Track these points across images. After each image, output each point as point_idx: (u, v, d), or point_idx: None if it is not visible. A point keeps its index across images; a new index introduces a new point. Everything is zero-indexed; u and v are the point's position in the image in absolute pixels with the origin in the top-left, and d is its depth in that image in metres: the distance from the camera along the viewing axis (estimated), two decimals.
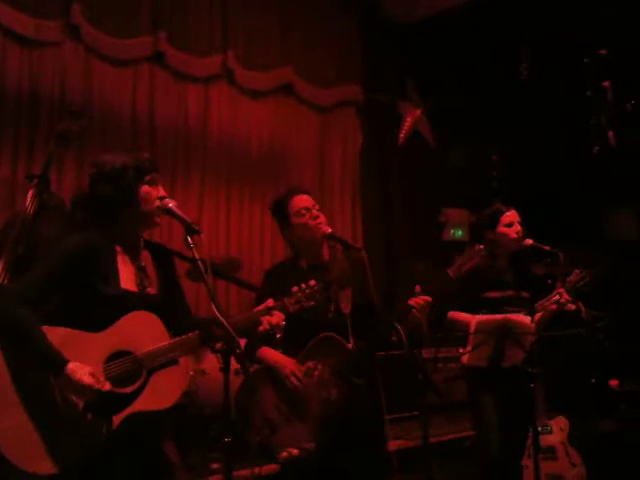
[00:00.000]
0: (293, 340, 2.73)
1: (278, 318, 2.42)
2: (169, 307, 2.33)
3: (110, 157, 2.28)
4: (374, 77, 6.73)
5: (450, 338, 3.64)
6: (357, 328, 2.96)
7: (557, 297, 3.45)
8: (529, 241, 3.54)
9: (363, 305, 2.96)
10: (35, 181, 3.31)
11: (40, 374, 2.08)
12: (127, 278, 2.25)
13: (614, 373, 5.35)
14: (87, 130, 4.40)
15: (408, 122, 6.87)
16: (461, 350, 3.68)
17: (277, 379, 2.83)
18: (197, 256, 2.20)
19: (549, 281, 3.52)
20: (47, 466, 2.03)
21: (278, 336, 2.47)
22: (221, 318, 2.12)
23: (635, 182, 6.25)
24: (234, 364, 2.26)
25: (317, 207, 3.01)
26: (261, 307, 2.43)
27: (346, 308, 2.97)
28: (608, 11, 5.36)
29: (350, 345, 2.91)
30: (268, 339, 2.55)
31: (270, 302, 2.44)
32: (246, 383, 2.90)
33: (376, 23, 6.73)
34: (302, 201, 3.00)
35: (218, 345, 2.21)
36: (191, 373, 4.15)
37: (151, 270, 2.35)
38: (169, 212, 2.28)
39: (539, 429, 3.45)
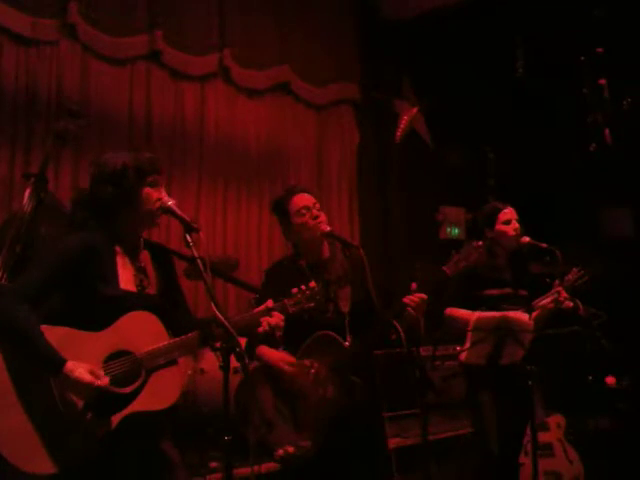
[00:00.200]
0: (292, 339, 2.73)
1: (278, 319, 2.42)
2: (168, 307, 2.32)
3: (111, 157, 2.27)
4: (371, 75, 6.73)
5: (448, 336, 3.65)
6: (356, 326, 2.96)
7: (555, 295, 3.46)
8: (526, 239, 3.55)
9: (362, 303, 2.96)
10: (32, 180, 3.31)
11: (39, 374, 2.07)
12: (126, 278, 2.24)
13: (611, 371, 5.37)
14: (85, 129, 4.39)
15: (405, 120, 6.88)
16: (459, 348, 3.69)
17: (275, 377, 2.83)
18: (196, 255, 2.20)
19: (547, 279, 3.53)
20: (46, 466, 2.02)
21: (278, 334, 2.47)
22: (221, 317, 2.12)
23: (631, 180, 6.27)
24: (233, 363, 2.26)
25: (318, 206, 3.01)
26: (261, 308, 2.43)
27: (345, 307, 2.97)
28: (601, 11, 5.37)
29: (347, 343, 2.91)
30: (267, 338, 2.54)
31: (270, 303, 2.44)
32: (245, 381, 2.90)
33: (373, 21, 6.73)
34: (302, 200, 2.99)
35: (218, 344, 2.21)
36: (189, 372, 4.14)
37: (150, 270, 2.34)
38: (168, 211, 2.27)
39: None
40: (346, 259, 3.07)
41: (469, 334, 3.22)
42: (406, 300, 2.90)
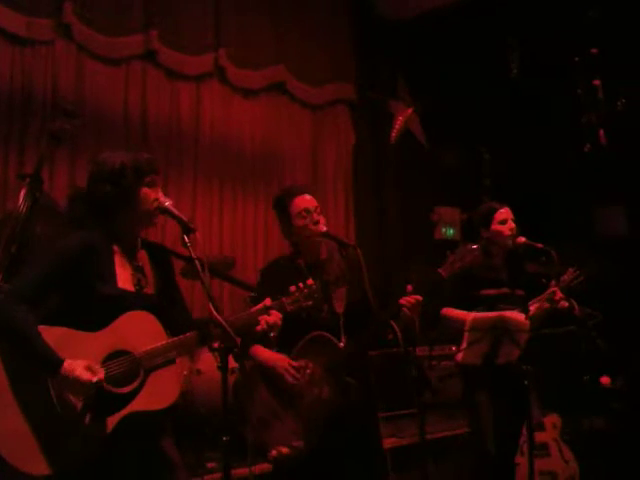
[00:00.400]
0: (286, 339, 2.72)
1: (276, 317, 2.42)
2: (166, 307, 2.32)
3: (110, 156, 2.26)
4: (366, 75, 6.74)
5: (444, 336, 3.66)
6: (351, 327, 2.97)
7: (551, 295, 3.48)
8: (522, 239, 3.56)
9: (357, 303, 2.97)
10: (27, 180, 3.30)
11: (37, 374, 2.07)
12: (124, 278, 2.24)
13: (606, 371, 5.39)
14: (80, 129, 4.38)
15: (400, 121, 6.88)
16: (454, 348, 3.70)
17: (269, 377, 2.83)
18: (194, 255, 2.20)
19: (543, 280, 3.54)
20: (44, 467, 2.02)
21: (272, 335, 2.47)
22: (219, 317, 2.12)
23: (625, 180, 6.29)
24: (231, 363, 2.26)
25: (319, 210, 3.01)
26: (259, 306, 2.43)
27: (340, 307, 2.98)
28: (595, 12, 5.39)
29: (342, 344, 2.92)
30: (262, 338, 2.54)
31: (268, 301, 2.44)
32: (241, 381, 2.90)
33: (368, 22, 6.74)
34: (304, 202, 2.99)
35: (216, 344, 2.21)
36: (185, 373, 4.14)
37: (148, 270, 2.34)
38: (165, 211, 2.28)
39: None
40: (343, 259, 3.08)
41: (465, 334, 3.23)
42: (402, 302, 2.91)
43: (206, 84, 5.66)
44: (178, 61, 5.43)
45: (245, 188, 5.85)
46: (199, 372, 4.22)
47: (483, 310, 3.40)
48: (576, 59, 5.47)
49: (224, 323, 2.10)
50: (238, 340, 2.16)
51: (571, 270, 3.58)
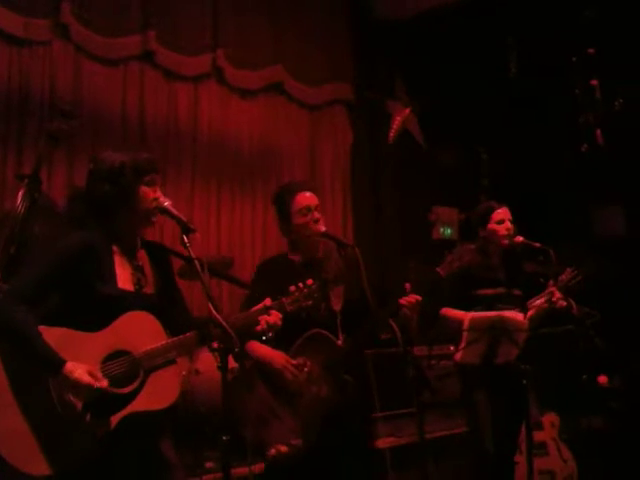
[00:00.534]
0: (283, 337, 2.71)
1: (276, 317, 2.43)
2: (166, 307, 2.32)
3: (110, 155, 2.26)
4: (364, 76, 6.74)
5: (443, 336, 3.67)
6: (348, 325, 2.97)
7: (549, 295, 3.49)
8: (520, 238, 3.57)
9: (354, 302, 2.98)
10: (26, 181, 3.30)
11: (37, 374, 2.07)
12: (124, 277, 2.24)
13: (604, 370, 5.40)
14: (78, 130, 4.37)
15: (397, 121, 6.89)
16: (452, 348, 3.70)
17: (267, 375, 2.83)
18: (193, 255, 2.20)
19: (541, 279, 3.55)
20: (44, 467, 2.02)
21: (270, 334, 2.47)
22: (219, 317, 2.12)
23: (623, 180, 6.30)
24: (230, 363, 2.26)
25: (319, 208, 3.01)
26: (259, 306, 2.43)
27: (337, 306, 2.98)
28: (592, 12, 5.40)
29: (340, 342, 2.92)
30: (260, 336, 2.54)
31: (268, 301, 2.44)
32: (239, 380, 2.90)
33: (366, 22, 6.73)
34: (305, 199, 2.99)
35: (215, 344, 2.21)
36: (184, 373, 4.13)
37: (148, 269, 2.34)
38: (165, 211, 2.28)
39: None
40: (341, 258, 3.08)
41: (464, 334, 3.23)
42: (402, 302, 2.92)
43: (204, 85, 5.65)
44: (176, 62, 5.42)
45: (243, 188, 5.84)
46: (198, 372, 4.22)
47: (481, 310, 3.41)
48: (573, 59, 5.48)
49: (224, 323, 2.11)
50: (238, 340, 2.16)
51: (569, 270, 3.60)
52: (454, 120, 6.73)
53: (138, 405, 2.12)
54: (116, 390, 2.10)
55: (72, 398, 2.05)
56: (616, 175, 6.25)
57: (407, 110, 6.92)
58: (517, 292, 3.58)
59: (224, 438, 2.16)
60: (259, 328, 2.40)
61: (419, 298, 2.93)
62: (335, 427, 2.81)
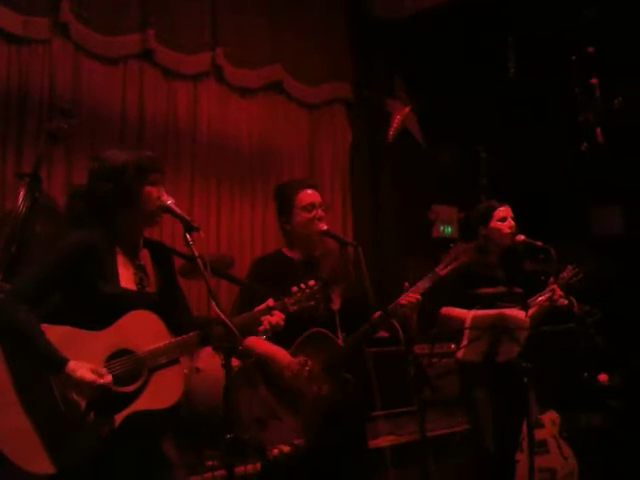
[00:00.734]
0: (283, 336, 2.71)
1: (278, 318, 2.42)
2: (168, 306, 2.32)
3: (113, 153, 2.25)
4: (363, 75, 6.74)
5: (444, 334, 3.67)
6: (347, 324, 2.97)
7: (550, 293, 3.49)
8: (521, 237, 3.58)
9: (354, 300, 2.98)
10: (26, 179, 3.29)
11: (40, 373, 2.07)
12: (127, 277, 2.24)
13: (604, 368, 5.41)
14: (77, 128, 4.36)
15: (397, 119, 6.89)
16: (453, 346, 3.71)
17: (267, 374, 2.82)
18: (196, 254, 2.19)
19: (542, 277, 3.56)
20: (47, 466, 2.02)
21: (269, 334, 2.47)
22: (222, 316, 2.12)
23: (622, 179, 6.31)
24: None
25: (322, 206, 3.00)
26: (262, 306, 2.43)
27: (335, 305, 2.97)
28: (591, 11, 5.40)
29: (339, 341, 2.92)
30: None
31: (271, 302, 2.44)
32: (239, 379, 2.89)
33: (365, 21, 6.74)
34: (310, 196, 2.99)
35: (219, 343, 2.21)
36: (185, 371, 4.14)
37: (150, 269, 2.33)
38: (167, 210, 2.27)
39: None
40: (340, 257, 3.08)
41: (466, 332, 3.23)
42: (403, 301, 2.92)
43: (203, 83, 5.65)
44: (175, 60, 5.42)
45: (242, 187, 5.85)
46: (198, 370, 4.22)
47: (481, 308, 3.41)
48: (573, 58, 5.48)
49: (228, 322, 2.10)
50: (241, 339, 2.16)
51: (570, 267, 3.60)
52: (453, 119, 6.74)
53: (141, 404, 2.12)
54: (119, 389, 2.10)
55: (75, 397, 2.05)
56: (616, 174, 6.26)
57: (406, 109, 6.93)
58: (518, 290, 3.59)
59: (227, 436, 2.15)
60: (261, 328, 2.40)
61: (419, 297, 2.94)
62: (336, 426, 2.81)
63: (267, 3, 6.01)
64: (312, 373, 2.83)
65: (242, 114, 5.89)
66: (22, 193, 3.22)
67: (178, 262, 3.32)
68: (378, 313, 2.89)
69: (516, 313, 3.31)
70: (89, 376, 2.02)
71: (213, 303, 2.12)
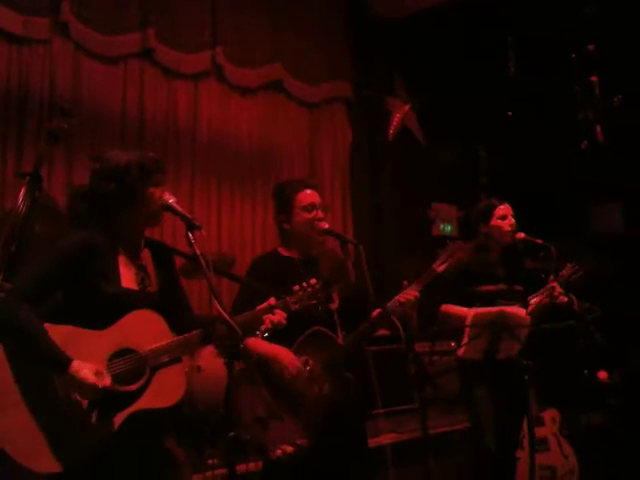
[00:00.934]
0: (282, 336, 2.69)
1: (280, 316, 2.42)
2: (170, 305, 2.32)
3: (116, 154, 2.25)
4: (363, 73, 6.75)
5: (444, 332, 3.67)
6: (346, 323, 2.98)
7: (550, 290, 3.49)
8: (521, 235, 3.58)
9: (353, 300, 2.98)
10: (27, 179, 3.30)
11: (43, 373, 2.07)
12: (128, 277, 2.24)
13: (604, 365, 5.42)
14: (77, 128, 4.37)
15: (397, 118, 6.90)
16: (453, 344, 3.71)
17: (268, 374, 2.82)
18: (198, 252, 2.20)
19: (542, 275, 3.56)
20: (52, 465, 2.02)
21: (267, 333, 2.47)
22: (225, 314, 2.12)
23: (622, 177, 6.32)
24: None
25: (322, 207, 3.00)
26: (263, 305, 2.43)
27: (334, 304, 2.98)
28: (591, 8, 5.40)
29: (339, 339, 2.92)
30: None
31: (272, 300, 2.44)
32: (241, 379, 2.89)
33: (365, 19, 6.74)
34: (311, 196, 2.99)
35: (221, 341, 2.21)
36: (186, 370, 4.13)
37: (151, 268, 2.34)
38: (169, 208, 2.28)
39: None
40: (342, 256, 3.08)
41: (467, 329, 3.24)
42: (401, 299, 2.93)
43: (203, 82, 5.66)
44: (175, 59, 5.42)
45: (243, 186, 5.85)
46: (199, 369, 4.22)
47: (481, 306, 3.41)
48: (572, 56, 5.48)
49: (231, 320, 2.11)
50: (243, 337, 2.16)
51: (569, 265, 3.61)
52: (453, 117, 6.75)
53: (144, 403, 2.12)
54: (122, 388, 2.10)
55: (78, 396, 2.05)
56: (615, 172, 6.26)
57: (406, 107, 6.93)
58: (518, 288, 3.59)
59: (230, 434, 2.15)
60: (263, 327, 2.40)
61: (417, 294, 2.95)
62: (337, 424, 2.81)
63: (267, 2, 6.02)
64: (313, 373, 2.83)
65: (242, 113, 5.90)
66: (22, 192, 3.22)
67: (179, 261, 3.34)
68: (378, 311, 2.89)
69: (516, 311, 3.32)
70: (91, 378, 2.03)
71: (215, 302, 2.13)
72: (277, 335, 2.59)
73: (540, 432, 4.08)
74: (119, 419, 2.08)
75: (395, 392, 4.54)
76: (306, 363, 2.84)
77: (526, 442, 3.63)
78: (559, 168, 6.57)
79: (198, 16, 5.54)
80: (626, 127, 5.76)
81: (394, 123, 6.86)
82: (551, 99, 6.23)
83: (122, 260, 2.26)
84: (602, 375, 5.44)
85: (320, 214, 2.97)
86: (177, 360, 2.21)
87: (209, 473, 3.77)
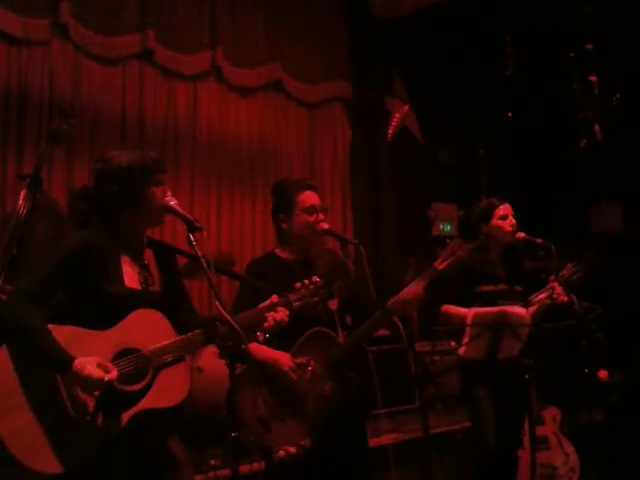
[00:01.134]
0: (283, 336, 2.70)
1: (283, 314, 2.43)
2: (173, 305, 2.33)
3: (117, 155, 2.26)
4: (362, 73, 6.74)
5: (446, 332, 3.68)
6: (345, 323, 2.98)
7: (550, 290, 3.50)
8: (521, 234, 3.59)
9: (354, 299, 2.98)
10: (27, 181, 3.30)
11: (47, 374, 2.08)
12: (131, 277, 2.25)
13: (605, 364, 5.42)
14: (77, 129, 4.37)
15: (396, 118, 6.90)
16: (453, 343, 3.72)
17: (269, 376, 2.82)
18: (200, 253, 2.20)
19: (542, 275, 3.57)
20: (55, 465, 2.03)
21: (260, 339, 2.47)
22: (226, 314, 2.12)
23: (621, 176, 6.33)
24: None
25: (322, 209, 3.00)
26: (266, 303, 2.44)
27: (333, 304, 2.98)
28: (590, 7, 5.40)
29: (340, 339, 2.93)
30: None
31: (275, 298, 2.45)
32: (243, 380, 2.89)
33: (363, 19, 6.74)
34: (312, 198, 2.99)
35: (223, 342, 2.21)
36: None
37: (154, 268, 2.35)
38: (171, 211, 2.28)
39: None
40: (341, 256, 3.09)
41: (467, 329, 3.25)
42: (403, 296, 2.93)
43: (203, 83, 5.65)
44: (174, 60, 5.41)
45: (242, 186, 5.85)
46: (200, 370, 4.22)
47: (482, 306, 3.42)
48: (571, 55, 5.49)
49: (232, 321, 2.11)
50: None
51: (570, 265, 3.61)
52: (452, 117, 6.75)
53: (148, 402, 2.13)
54: (127, 387, 2.11)
55: (82, 396, 2.06)
56: (615, 171, 6.27)
57: (405, 107, 6.94)
58: (518, 288, 3.60)
59: (232, 435, 2.16)
60: (266, 325, 2.40)
61: (419, 294, 2.95)
62: (339, 424, 2.82)
63: (265, 2, 6.01)
64: (315, 374, 2.83)
65: (242, 113, 5.90)
66: (23, 194, 3.23)
67: (180, 261, 3.35)
68: (379, 311, 2.90)
69: (517, 310, 3.33)
70: (97, 373, 2.03)
71: (217, 302, 2.13)
72: (278, 336, 2.59)
73: (541, 431, 4.09)
74: (124, 419, 2.09)
75: (396, 392, 4.55)
76: (308, 363, 2.84)
77: (527, 441, 3.64)
78: (558, 167, 6.58)
79: (197, 17, 5.54)
80: (625, 126, 5.77)
81: (394, 122, 6.87)
82: (550, 98, 6.24)
83: (125, 260, 2.27)
84: (602, 374, 5.45)
85: (321, 216, 2.98)
86: (181, 359, 2.21)
87: (211, 474, 3.78)
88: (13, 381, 2.08)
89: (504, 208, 3.62)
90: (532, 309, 3.46)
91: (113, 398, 2.08)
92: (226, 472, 3.72)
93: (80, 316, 2.16)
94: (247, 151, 5.91)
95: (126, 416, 2.09)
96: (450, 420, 4.85)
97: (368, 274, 2.84)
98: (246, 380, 2.82)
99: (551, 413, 4.24)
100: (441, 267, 3.06)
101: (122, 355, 2.15)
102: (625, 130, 5.81)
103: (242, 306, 2.60)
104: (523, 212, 3.84)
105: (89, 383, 2.03)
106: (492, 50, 6.19)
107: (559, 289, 3.48)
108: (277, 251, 3.08)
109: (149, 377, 2.14)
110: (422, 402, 2.85)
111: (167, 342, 2.19)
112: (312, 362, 2.84)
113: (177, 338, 2.22)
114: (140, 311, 2.19)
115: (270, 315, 2.40)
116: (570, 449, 4.16)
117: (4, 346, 2.12)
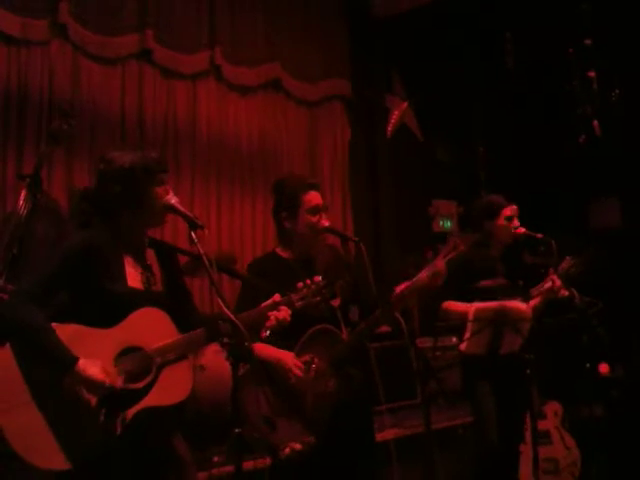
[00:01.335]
0: (285, 335, 2.70)
1: (285, 313, 2.44)
2: (175, 304, 2.34)
3: (119, 155, 2.27)
4: (361, 71, 6.75)
5: (447, 327, 3.69)
6: (348, 320, 2.99)
7: (550, 284, 3.51)
8: (521, 229, 3.60)
9: (356, 297, 2.99)
10: (27, 181, 3.31)
11: (51, 372, 2.09)
12: (134, 277, 2.26)
13: (606, 359, 5.44)
14: (77, 129, 4.37)
15: (395, 116, 6.91)
16: (455, 339, 3.73)
17: (273, 375, 2.83)
18: (202, 251, 2.21)
19: (542, 270, 3.58)
20: (60, 462, 2.04)
21: (263, 336, 2.48)
22: (228, 313, 2.13)
23: (620, 171, 6.34)
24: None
25: (324, 209, 3.01)
26: (268, 302, 2.45)
27: (335, 302, 2.99)
28: (589, 3, 5.40)
29: (344, 336, 2.94)
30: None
31: (277, 297, 2.45)
32: (246, 379, 2.90)
33: (362, 17, 6.74)
34: (317, 198, 2.99)
35: (226, 340, 2.22)
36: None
37: (156, 268, 2.36)
38: (172, 209, 2.29)
39: None
40: (342, 254, 3.10)
41: (469, 324, 3.26)
42: (404, 290, 2.94)
43: (202, 82, 5.65)
44: (174, 60, 5.41)
45: (242, 185, 5.85)
46: (202, 368, 4.23)
47: (482, 301, 3.43)
48: (570, 51, 5.49)
49: (234, 319, 2.12)
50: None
51: (568, 258, 3.62)
52: (451, 113, 6.75)
53: (151, 400, 2.14)
54: (130, 385, 2.12)
55: (85, 394, 2.07)
56: (614, 167, 6.28)
57: (405, 104, 6.94)
58: (518, 283, 3.61)
59: (236, 431, 2.17)
60: (269, 324, 2.41)
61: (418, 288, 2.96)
62: (344, 420, 2.83)
63: (264, 1, 6.01)
64: (318, 372, 2.84)
65: (241, 113, 5.90)
66: (23, 194, 3.24)
67: (181, 260, 3.35)
68: (381, 307, 2.90)
69: (518, 305, 3.34)
70: (100, 376, 2.05)
71: (219, 300, 2.14)
72: (281, 334, 2.60)
73: (542, 425, 4.10)
74: (127, 417, 2.10)
75: (397, 388, 4.55)
76: (312, 361, 2.84)
77: (528, 435, 3.65)
78: (557, 163, 6.58)
79: (196, 17, 5.54)
80: (624, 122, 5.77)
81: (393, 120, 6.87)
82: (549, 94, 6.24)
83: (128, 260, 2.28)
84: (604, 369, 5.46)
85: (324, 216, 2.98)
86: (183, 357, 2.22)
87: (215, 470, 3.78)
88: (18, 379, 2.09)
89: (512, 209, 3.62)
90: (533, 302, 3.47)
91: (117, 396, 2.10)
92: (229, 469, 3.72)
93: (83, 316, 2.17)
94: (247, 150, 5.92)
95: (130, 414, 2.10)
96: (452, 415, 4.86)
97: (369, 270, 2.84)
98: (249, 379, 2.83)
99: (552, 408, 4.26)
100: (443, 262, 3.05)
101: (125, 353, 2.16)
102: (624, 126, 5.81)
103: (244, 306, 2.60)
104: (522, 208, 3.85)
105: (91, 385, 2.05)
106: (491, 47, 6.19)
107: (558, 282, 3.49)
108: (278, 250, 3.08)
109: (152, 375, 2.16)
110: (424, 398, 2.87)
111: (170, 341, 2.20)
112: (316, 360, 2.85)
113: (180, 337, 2.23)
114: (143, 310, 2.20)
115: (272, 314, 2.41)
116: (571, 443, 4.18)
117: (8, 344, 2.13)
